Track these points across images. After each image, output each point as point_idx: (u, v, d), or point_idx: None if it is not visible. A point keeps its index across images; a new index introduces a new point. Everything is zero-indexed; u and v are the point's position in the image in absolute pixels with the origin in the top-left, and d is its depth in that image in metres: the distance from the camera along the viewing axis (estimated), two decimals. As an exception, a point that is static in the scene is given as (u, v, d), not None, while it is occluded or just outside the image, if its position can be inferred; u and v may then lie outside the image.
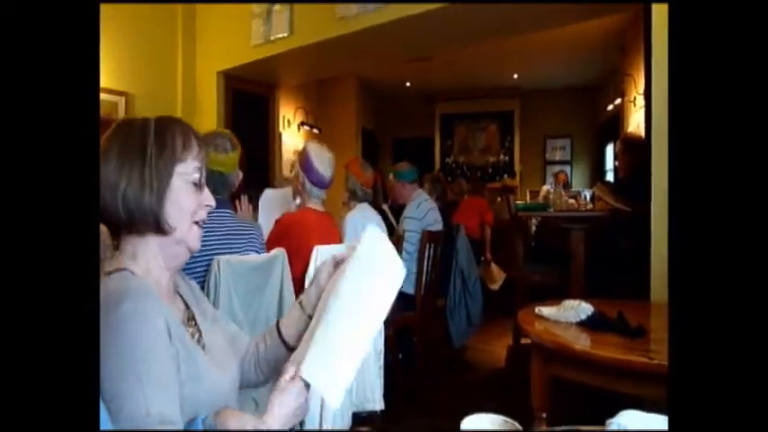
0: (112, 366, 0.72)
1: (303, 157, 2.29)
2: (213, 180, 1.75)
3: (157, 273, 0.92)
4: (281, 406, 0.82)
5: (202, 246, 1.63)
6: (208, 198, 0.96)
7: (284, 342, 1.04)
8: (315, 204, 2.30)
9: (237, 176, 1.87)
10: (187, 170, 0.90)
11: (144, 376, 0.74)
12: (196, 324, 0.97)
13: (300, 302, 1.05)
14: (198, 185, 0.93)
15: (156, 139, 0.88)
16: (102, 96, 3.99)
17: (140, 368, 0.74)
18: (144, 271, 0.89)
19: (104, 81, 4.02)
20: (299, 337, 0.99)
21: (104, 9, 4.01)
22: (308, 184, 2.26)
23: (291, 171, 2.43)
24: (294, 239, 2.03)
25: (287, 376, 0.84)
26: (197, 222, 0.94)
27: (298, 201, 2.41)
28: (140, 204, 0.86)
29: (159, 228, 0.89)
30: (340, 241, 2.39)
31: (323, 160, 2.26)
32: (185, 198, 0.91)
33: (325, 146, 2.36)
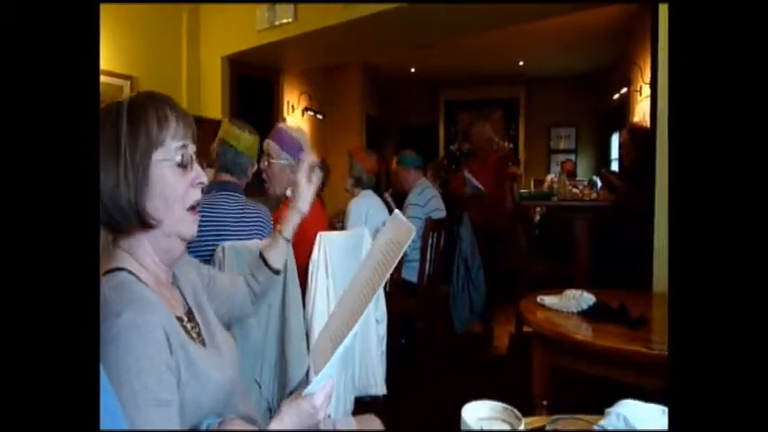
0: (109, 379, 0.70)
1: (284, 139, 2.05)
2: (226, 157, 1.77)
3: (154, 268, 0.89)
4: (292, 418, 0.80)
5: (206, 230, 1.65)
6: (199, 175, 0.90)
7: (275, 271, 1.25)
8: None
9: (252, 165, 1.86)
10: (167, 154, 0.85)
11: (140, 392, 0.72)
12: (195, 318, 0.95)
13: (280, 230, 1.27)
14: (183, 165, 0.87)
15: (129, 128, 0.82)
16: (107, 80, 3.99)
17: (135, 384, 0.73)
18: (141, 268, 0.86)
19: (109, 64, 4.02)
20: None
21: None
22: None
23: (265, 162, 2.08)
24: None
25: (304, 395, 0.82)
26: (192, 207, 0.90)
27: (288, 192, 2.10)
28: (118, 202, 0.82)
29: (144, 223, 0.85)
30: (328, 218, 2.29)
31: (305, 138, 2.07)
32: (170, 184, 0.86)
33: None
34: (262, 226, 1.82)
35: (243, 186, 1.87)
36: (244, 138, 1.82)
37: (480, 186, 3.60)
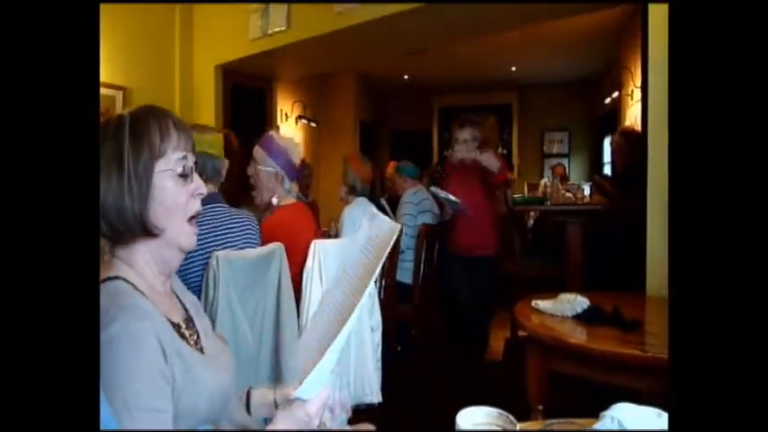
0: (103, 387, 0.69)
1: (272, 147, 2.04)
2: (205, 167, 1.72)
3: (152, 278, 0.89)
4: (286, 425, 0.79)
5: (198, 243, 1.62)
6: (199, 186, 0.92)
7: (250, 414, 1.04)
8: (288, 199, 2.12)
9: (224, 165, 1.81)
10: (169, 164, 0.87)
11: (131, 402, 0.72)
12: (194, 326, 0.95)
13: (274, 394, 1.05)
14: (184, 176, 0.89)
15: (132, 140, 0.84)
16: (100, 91, 3.97)
17: (127, 393, 0.72)
18: (138, 277, 0.87)
19: (102, 75, 4.00)
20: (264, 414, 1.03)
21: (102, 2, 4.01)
22: (281, 177, 2.06)
23: (252, 168, 2.09)
24: (283, 242, 1.86)
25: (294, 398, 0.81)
26: (191, 218, 0.91)
27: (274, 200, 2.11)
28: (122, 213, 0.83)
29: (147, 232, 0.86)
30: (318, 224, 2.28)
31: (294, 149, 2.08)
32: (172, 193, 0.87)
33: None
34: (250, 233, 1.80)
35: (220, 192, 1.82)
36: (217, 141, 1.76)
37: (452, 197, 3.16)
